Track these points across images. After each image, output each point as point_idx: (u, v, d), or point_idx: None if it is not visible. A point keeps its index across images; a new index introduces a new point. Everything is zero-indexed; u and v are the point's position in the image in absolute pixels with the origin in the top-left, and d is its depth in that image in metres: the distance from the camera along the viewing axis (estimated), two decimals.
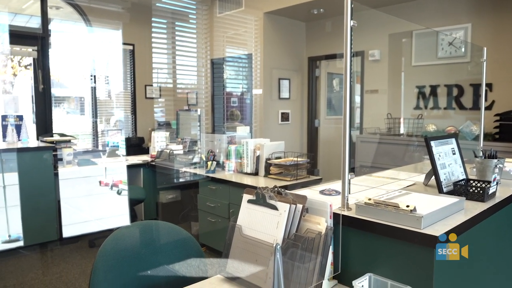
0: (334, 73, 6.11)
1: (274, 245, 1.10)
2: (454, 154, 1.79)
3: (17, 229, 3.81)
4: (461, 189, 1.60)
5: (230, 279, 1.34)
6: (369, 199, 1.31)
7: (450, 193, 1.59)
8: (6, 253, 3.82)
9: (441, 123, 4.46)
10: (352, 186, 1.46)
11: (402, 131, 4.65)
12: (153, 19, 5.63)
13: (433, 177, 1.66)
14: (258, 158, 3.53)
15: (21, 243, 3.82)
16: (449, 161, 1.73)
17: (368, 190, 1.73)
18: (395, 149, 4.40)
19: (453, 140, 1.84)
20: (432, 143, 1.67)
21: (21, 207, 3.78)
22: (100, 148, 5.55)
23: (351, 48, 1.36)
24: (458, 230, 1.23)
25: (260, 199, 1.31)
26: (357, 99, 5.27)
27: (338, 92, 6.22)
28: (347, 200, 1.37)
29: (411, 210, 1.20)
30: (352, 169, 1.41)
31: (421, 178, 1.95)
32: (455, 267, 1.29)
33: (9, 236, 3.82)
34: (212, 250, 3.54)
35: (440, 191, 1.61)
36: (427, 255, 1.15)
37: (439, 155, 1.68)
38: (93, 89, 5.68)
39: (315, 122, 5.86)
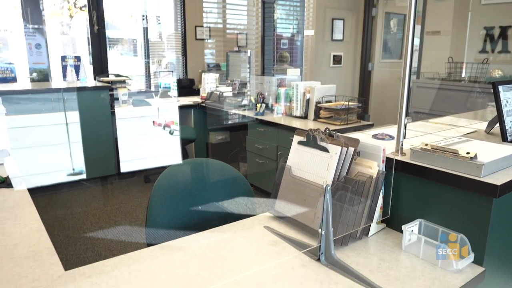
0: (392, 13, 5.70)
1: (324, 186, 1.10)
2: None
3: (80, 164, 4.10)
4: None
5: (278, 217, 1.38)
6: (426, 145, 1.25)
7: None
8: (71, 185, 4.16)
9: (509, 68, 4.10)
10: (407, 131, 1.40)
11: (463, 76, 4.34)
12: None
13: (497, 124, 1.55)
14: (308, 101, 3.47)
15: (83, 176, 4.14)
16: None
17: (423, 136, 1.66)
18: (454, 95, 4.15)
19: None
20: (500, 87, 1.54)
21: (83, 143, 4.05)
22: (152, 89, 5.70)
23: None
24: None
25: (311, 141, 1.30)
26: (416, 41, 4.93)
27: (395, 34, 5.84)
28: (402, 145, 1.32)
29: (471, 158, 1.14)
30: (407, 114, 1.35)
31: (482, 125, 1.83)
32: None
33: (73, 169, 4.14)
34: (259, 190, 3.64)
35: (504, 139, 1.51)
36: (484, 204, 1.10)
37: (507, 101, 1.56)
38: (145, 30, 5.72)
39: (368, 66, 5.60)
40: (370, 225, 1.27)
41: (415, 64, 4.97)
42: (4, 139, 2.00)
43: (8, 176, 1.72)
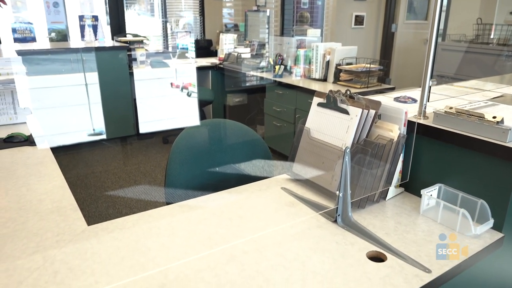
0: None
1: (343, 148, 1.08)
2: None
3: (100, 124, 4.17)
4: None
5: (295, 179, 1.38)
6: (450, 108, 1.21)
7: None
8: (92, 144, 4.25)
9: None
10: (430, 95, 1.36)
11: (492, 38, 4.14)
12: None
13: None
14: (327, 63, 3.39)
15: (104, 136, 4.21)
16: None
17: (447, 100, 1.61)
18: (481, 58, 3.98)
19: None
20: None
21: (102, 104, 4.09)
22: (170, 50, 5.65)
23: None
24: None
25: (331, 103, 1.27)
26: (443, 1, 4.69)
27: None
28: (425, 108, 1.28)
29: (497, 122, 1.10)
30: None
31: (510, 90, 1.77)
32: None
33: (94, 129, 4.21)
34: (276, 153, 3.65)
35: None
36: (508, 170, 1.07)
37: None
38: None
39: (391, 27, 5.39)
40: (388, 188, 1.26)
41: (441, 26, 4.75)
42: (26, 99, 2.03)
43: (31, 134, 1.76)
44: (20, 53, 3.71)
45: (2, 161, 1.51)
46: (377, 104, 1.21)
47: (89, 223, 1.09)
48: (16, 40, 4.32)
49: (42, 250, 0.97)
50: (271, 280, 0.88)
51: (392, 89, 3.21)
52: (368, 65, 3.16)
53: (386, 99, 1.62)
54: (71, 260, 0.94)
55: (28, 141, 1.71)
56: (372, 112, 1.20)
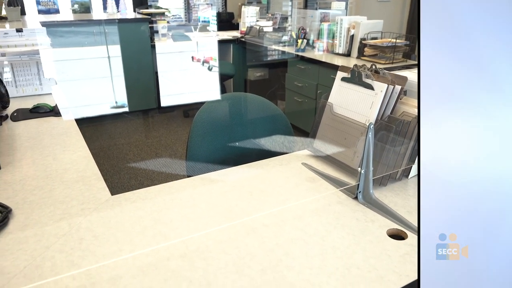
0: None
1: (367, 125, 1.06)
2: None
3: (122, 97, 4.21)
4: None
5: (316, 155, 1.37)
6: None
7: None
8: (115, 117, 4.32)
9: None
10: None
11: None
12: None
13: None
14: (352, 37, 3.31)
15: (126, 109, 4.26)
16: None
17: None
18: None
19: None
20: None
21: (125, 77, 4.12)
22: (191, 23, 5.60)
23: None
24: None
25: (356, 77, 1.24)
26: None
27: None
28: None
29: None
30: None
31: None
32: None
33: (116, 102, 4.26)
34: (297, 129, 3.62)
35: None
36: None
37: None
38: None
39: (420, 0, 5.18)
40: (411, 166, 1.24)
41: None
42: (51, 70, 2.06)
43: (56, 105, 1.79)
44: (44, 24, 3.74)
45: (29, 131, 1.55)
46: (403, 79, 1.18)
47: (113, 193, 1.12)
48: (40, 11, 4.37)
49: (68, 218, 1.00)
50: (290, 254, 0.89)
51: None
52: (394, 40, 3.07)
53: (412, 75, 1.57)
54: (96, 227, 0.97)
55: (53, 111, 1.74)
56: (398, 87, 1.17)
